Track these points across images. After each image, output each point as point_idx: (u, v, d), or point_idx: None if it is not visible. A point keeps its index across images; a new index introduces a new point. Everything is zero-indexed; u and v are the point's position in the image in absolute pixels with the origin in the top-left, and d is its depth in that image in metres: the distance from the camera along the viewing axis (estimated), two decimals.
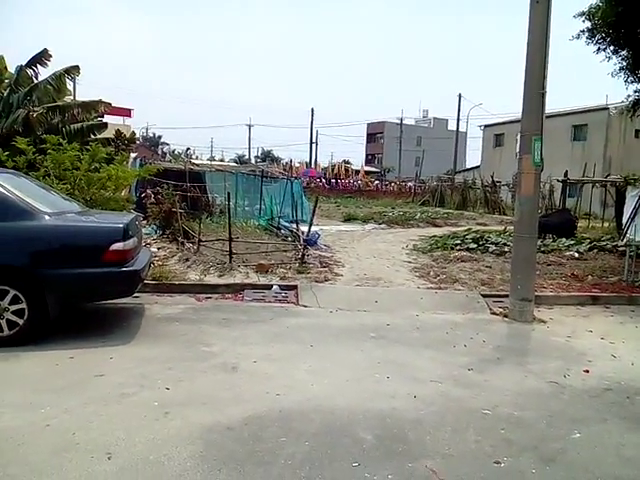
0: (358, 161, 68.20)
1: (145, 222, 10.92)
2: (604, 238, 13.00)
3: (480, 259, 10.59)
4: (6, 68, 13.19)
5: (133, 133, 16.66)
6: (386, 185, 42.37)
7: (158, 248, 9.76)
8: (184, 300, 7.00)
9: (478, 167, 39.99)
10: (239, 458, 3.13)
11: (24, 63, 12.85)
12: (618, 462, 3.29)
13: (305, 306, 6.98)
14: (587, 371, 4.88)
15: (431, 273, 9.18)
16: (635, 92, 11.35)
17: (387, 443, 3.40)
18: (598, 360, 5.24)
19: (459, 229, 16.10)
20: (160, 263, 8.41)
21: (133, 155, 16.12)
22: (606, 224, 17.51)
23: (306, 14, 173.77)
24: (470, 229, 15.29)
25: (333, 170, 45.90)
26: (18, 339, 4.88)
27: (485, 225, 19.06)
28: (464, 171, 42.99)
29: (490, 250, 11.51)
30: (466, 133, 57.97)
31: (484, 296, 7.65)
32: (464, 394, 4.25)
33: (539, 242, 9.95)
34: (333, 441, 3.39)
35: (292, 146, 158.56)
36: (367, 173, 50.69)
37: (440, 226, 18.84)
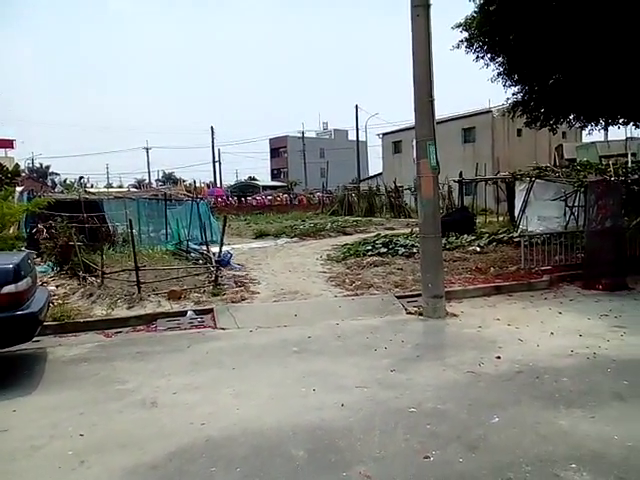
0: (264, 177, 68.44)
1: (39, 259, 10.16)
2: (501, 231, 13.92)
3: (391, 262, 10.92)
4: None
5: (17, 165, 15.59)
6: (295, 198, 42.65)
7: (57, 286, 9.06)
8: (91, 338, 6.55)
9: (381, 174, 41.45)
10: None
11: None
12: (536, 440, 3.48)
13: (223, 329, 6.79)
14: (499, 357, 5.17)
15: (346, 281, 9.32)
16: (513, 95, 12.31)
17: (319, 455, 3.36)
18: (507, 346, 5.56)
19: (369, 235, 16.53)
20: (60, 302, 7.82)
21: (19, 189, 14.99)
22: (501, 218, 18.80)
23: (200, 29, 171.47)
24: (379, 234, 15.75)
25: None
26: None
27: (393, 229, 19.71)
28: (368, 179, 44.38)
29: (400, 253, 11.92)
30: (366, 142, 60.16)
31: (398, 297, 7.89)
32: (389, 395, 4.33)
33: (444, 240, 10.45)
34: (265, 462, 3.30)
35: (194, 166, 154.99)
36: (273, 188, 50.72)
37: (351, 234, 19.22)
